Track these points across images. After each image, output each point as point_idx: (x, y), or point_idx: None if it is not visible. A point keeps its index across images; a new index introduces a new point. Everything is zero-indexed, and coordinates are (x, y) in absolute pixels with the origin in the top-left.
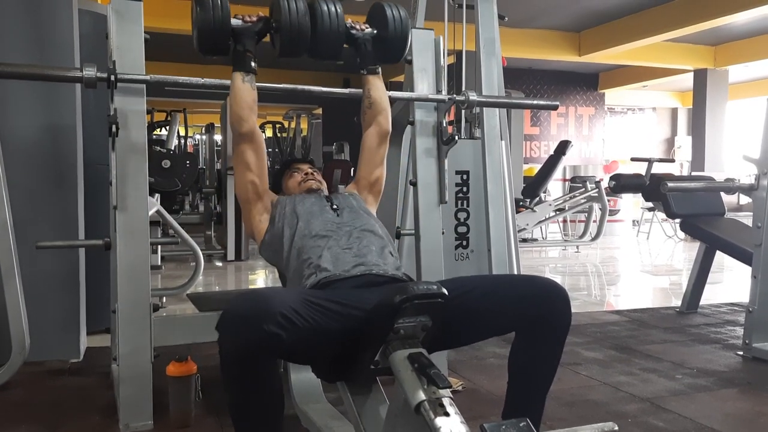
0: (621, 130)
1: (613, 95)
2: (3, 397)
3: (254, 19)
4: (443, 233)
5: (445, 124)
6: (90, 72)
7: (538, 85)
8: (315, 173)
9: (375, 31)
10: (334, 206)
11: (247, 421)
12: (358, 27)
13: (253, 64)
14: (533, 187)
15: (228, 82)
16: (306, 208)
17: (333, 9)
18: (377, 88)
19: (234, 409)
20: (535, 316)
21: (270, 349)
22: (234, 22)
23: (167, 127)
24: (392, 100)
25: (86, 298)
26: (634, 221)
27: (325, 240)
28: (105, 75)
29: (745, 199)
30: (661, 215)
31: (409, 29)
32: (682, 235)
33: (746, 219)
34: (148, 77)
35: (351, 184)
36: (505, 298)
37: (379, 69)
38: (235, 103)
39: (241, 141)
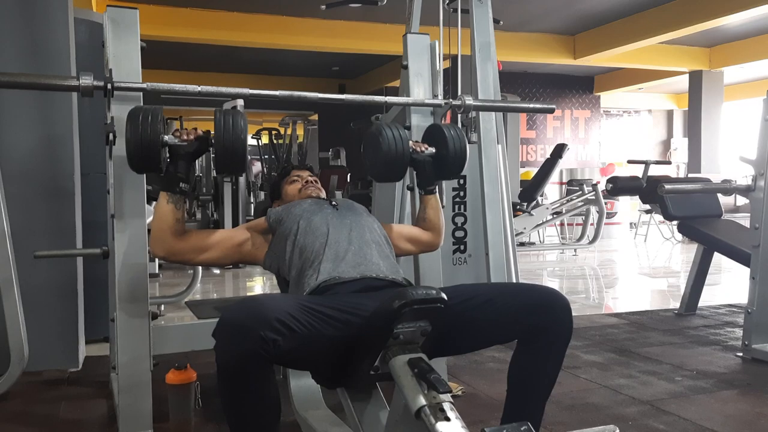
0: (617, 132)
1: (608, 98)
2: (2, 408)
3: (191, 137)
4: None
5: None
6: (86, 81)
7: (534, 89)
8: (315, 181)
9: (434, 150)
10: (333, 203)
11: (244, 428)
12: (419, 149)
13: (181, 185)
14: (530, 190)
15: (224, 89)
16: (305, 207)
17: (398, 134)
18: (434, 208)
19: (231, 416)
20: (536, 325)
21: (266, 355)
22: (169, 139)
23: None
24: (388, 106)
25: (84, 307)
26: (631, 224)
27: (326, 236)
28: (101, 83)
29: (742, 201)
30: (659, 217)
31: (466, 148)
32: (679, 237)
33: (743, 220)
34: (144, 85)
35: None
36: (505, 306)
37: (436, 188)
38: (155, 224)
39: (168, 259)
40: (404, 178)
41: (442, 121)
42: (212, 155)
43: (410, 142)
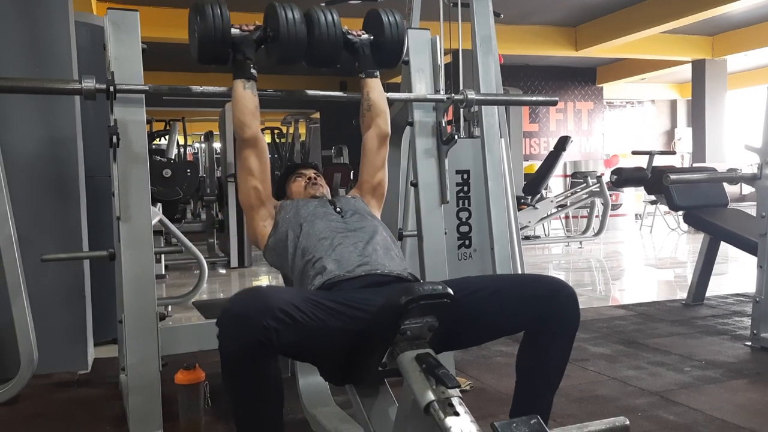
0: (620, 123)
1: (611, 89)
2: (13, 411)
3: (251, 27)
4: (446, 233)
5: (444, 124)
6: (89, 84)
7: (536, 82)
8: (319, 179)
9: (372, 37)
10: (338, 209)
11: (248, 417)
12: (354, 33)
13: (253, 71)
14: (534, 184)
15: (225, 89)
16: (310, 210)
17: (330, 17)
18: (375, 90)
19: (235, 406)
20: (543, 315)
21: (269, 345)
22: (233, 31)
23: (167, 137)
24: (390, 102)
25: (92, 310)
26: (636, 215)
27: (329, 240)
28: (104, 86)
29: (747, 189)
30: (664, 208)
31: (405, 34)
32: (685, 227)
33: (750, 209)
34: (147, 87)
35: (354, 188)
36: (512, 298)
37: (377, 72)
38: (238, 110)
39: (245, 147)
40: (408, 173)
41: (445, 117)
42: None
43: (345, 27)
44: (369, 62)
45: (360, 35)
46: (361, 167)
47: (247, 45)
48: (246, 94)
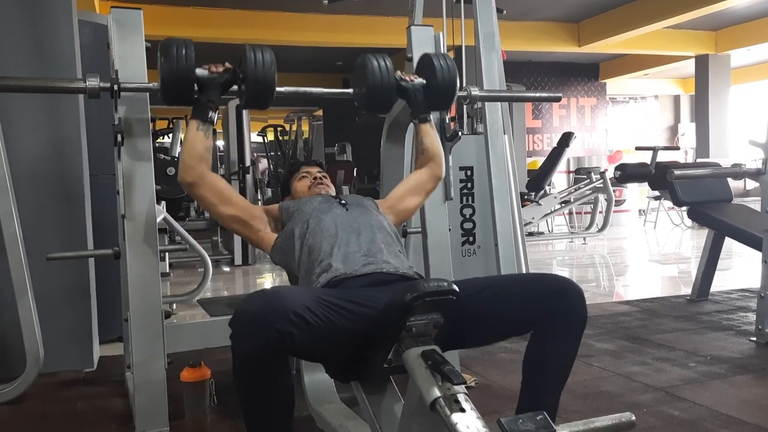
0: (624, 119)
1: (614, 85)
2: (19, 409)
3: (220, 69)
4: (449, 230)
5: (447, 121)
6: (93, 82)
7: (539, 78)
8: (324, 177)
9: (424, 81)
10: (342, 202)
11: (260, 419)
12: (408, 78)
13: (212, 114)
14: (538, 180)
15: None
16: (315, 206)
17: (383, 64)
18: (429, 135)
19: (246, 408)
20: (551, 314)
21: (283, 347)
22: (200, 72)
23: (170, 135)
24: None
25: (97, 308)
26: (640, 211)
27: (335, 238)
28: (108, 85)
29: (751, 184)
30: (668, 204)
31: (456, 77)
32: (689, 222)
33: (754, 204)
34: (151, 85)
35: (379, 199)
36: (518, 296)
37: (430, 117)
38: (185, 152)
39: (192, 190)
40: (411, 170)
41: (448, 114)
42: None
43: (398, 72)
44: (422, 108)
45: (413, 80)
46: (398, 187)
47: (212, 87)
48: (197, 137)
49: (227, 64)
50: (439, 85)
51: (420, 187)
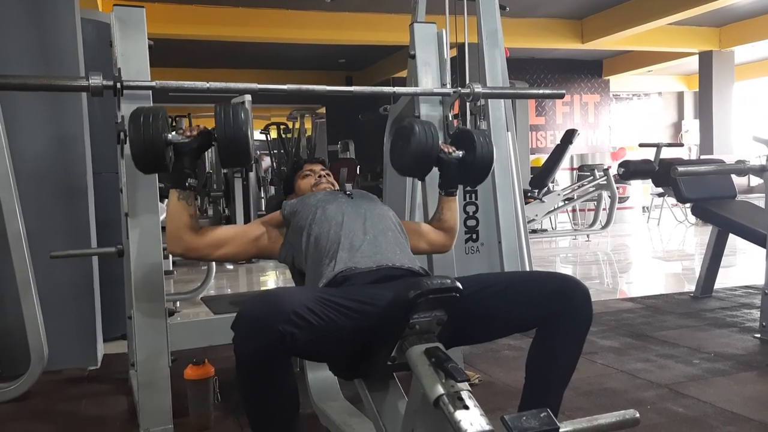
0: (627, 116)
1: (617, 81)
2: (23, 407)
3: (194, 133)
4: None
5: (450, 118)
6: (96, 80)
7: (542, 75)
8: (328, 175)
9: (461, 154)
10: (348, 192)
11: (264, 421)
12: (446, 150)
13: (190, 180)
14: (541, 177)
15: (233, 85)
16: (319, 197)
17: (430, 132)
18: (451, 209)
19: (251, 410)
20: (556, 313)
21: (285, 348)
22: (171, 137)
23: None
24: (397, 96)
25: (101, 306)
26: (644, 208)
27: (341, 226)
28: (111, 83)
29: (756, 181)
30: (671, 200)
31: (493, 155)
32: (693, 219)
33: (758, 200)
34: (153, 83)
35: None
36: (523, 295)
37: (456, 192)
38: (170, 223)
39: (185, 255)
40: None
41: (451, 111)
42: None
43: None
44: (454, 181)
45: (451, 153)
46: (416, 224)
47: (185, 153)
48: (179, 207)
49: (201, 127)
50: (477, 161)
51: (429, 241)
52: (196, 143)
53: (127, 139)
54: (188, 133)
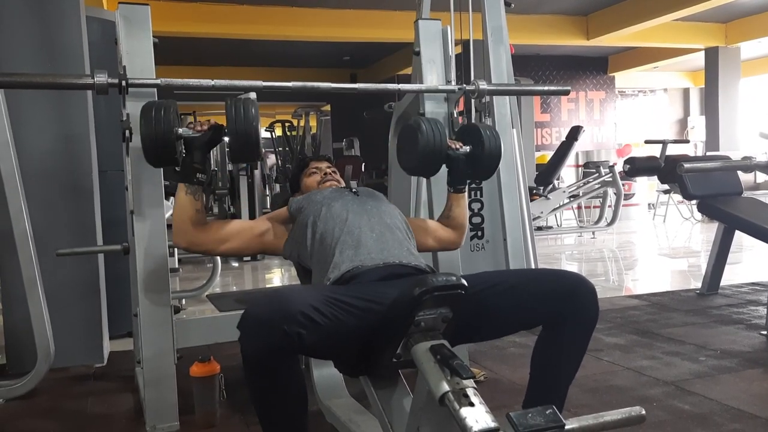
0: (633, 113)
1: (623, 78)
2: (30, 404)
3: (205, 127)
4: None
5: (455, 115)
6: (101, 78)
7: (547, 71)
8: (334, 172)
9: (468, 149)
10: (354, 190)
11: (273, 420)
12: (454, 146)
13: (199, 175)
14: (546, 174)
15: (238, 82)
16: (325, 194)
17: (437, 130)
18: (460, 206)
19: (259, 408)
20: (562, 311)
21: (292, 349)
22: (184, 131)
23: None
24: (401, 94)
25: (107, 304)
26: (649, 204)
27: (345, 223)
28: (116, 81)
29: (762, 177)
30: (677, 197)
31: (501, 149)
32: (699, 216)
33: (765, 197)
34: (158, 81)
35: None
36: (529, 292)
37: (465, 188)
38: (177, 216)
39: (190, 249)
40: None
41: (456, 108)
42: (227, 146)
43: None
44: (462, 177)
45: (458, 148)
46: (424, 221)
47: (196, 147)
48: (186, 202)
49: (212, 121)
50: (485, 155)
51: (438, 238)
52: (207, 137)
53: (139, 132)
54: (199, 128)
